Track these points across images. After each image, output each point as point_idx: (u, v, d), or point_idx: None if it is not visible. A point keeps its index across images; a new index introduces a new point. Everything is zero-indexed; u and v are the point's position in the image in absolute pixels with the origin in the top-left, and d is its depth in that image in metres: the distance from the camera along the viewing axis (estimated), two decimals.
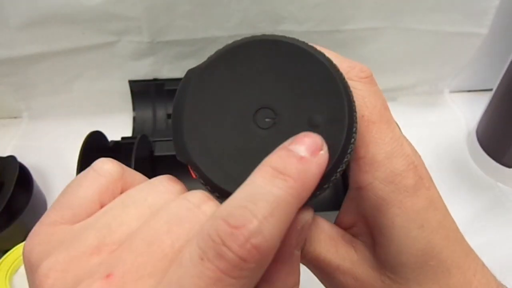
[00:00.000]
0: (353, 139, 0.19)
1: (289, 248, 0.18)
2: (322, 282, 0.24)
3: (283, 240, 0.17)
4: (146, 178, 0.21)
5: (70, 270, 0.16)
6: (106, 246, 0.17)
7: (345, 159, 0.19)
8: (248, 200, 0.15)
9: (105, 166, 0.19)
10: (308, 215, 0.19)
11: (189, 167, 0.19)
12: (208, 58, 0.20)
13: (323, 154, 0.17)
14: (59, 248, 0.17)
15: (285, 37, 0.20)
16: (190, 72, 0.20)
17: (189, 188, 0.20)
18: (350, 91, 0.19)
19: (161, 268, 0.16)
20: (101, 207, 0.19)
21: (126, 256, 0.16)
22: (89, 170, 0.19)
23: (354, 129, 0.19)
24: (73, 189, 0.19)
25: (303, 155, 0.17)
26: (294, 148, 0.17)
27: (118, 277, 0.15)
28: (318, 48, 0.20)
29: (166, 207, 0.17)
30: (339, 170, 0.18)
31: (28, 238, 0.18)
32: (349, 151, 0.19)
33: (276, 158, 0.17)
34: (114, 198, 0.19)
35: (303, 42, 0.20)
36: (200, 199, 0.18)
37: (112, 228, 0.17)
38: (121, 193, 0.19)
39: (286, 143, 0.17)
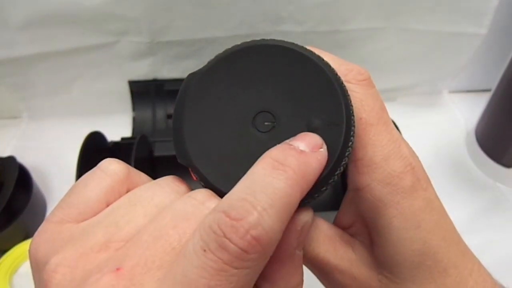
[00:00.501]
0: (351, 143, 0.19)
1: (290, 248, 0.18)
2: (321, 281, 0.24)
3: (283, 240, 0.17)
4: (151, 178, 0.21)
5: (78, 266, 0.16)
6: (114, 243, 0.17)
7: (343, 162, 0.19)
8: (248, 192, 0.16)
9: (111, 166, 0.20)
10: (307, 215, 0.19)
11: (189, 169, 0.20)
12: (208, 62, 0.20)
13: (323, 152, 0.18)
14: (67, 246, 0.17)
15: (283, 41, 0.20)
16: (190, 76, 0.20)
17: (190, 188, 0.20)
18: (348, 95, 0.19)
19: (169, 261, 0.16)
20: (107, 206, 0.19)
21: (134, 251, 0.16)
22: (96, 170, 0.20)
23: (352, 132, 0.19)
24: (79, 189, 0.19)
25: (303, 149, 0.17)
26: (295, 143, 0.17)
27: (127, 271, 0.16)
28: (316, 51, 0.20)
29: (172, 205, 0.18)
30: (337, 173, 0.19)
31: (34, 236, 0.18)
32: (347, 154, 0.19)
33: (277, 151, 0.17)
34: (120, 197, 0.19)
35: (302, 47, 0.20)
36: (204, 196, 0.18)
37: (119, 226, 0.17)
38: (126, 193, 0.20)
39: (286, 141, 0.18)
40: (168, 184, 0.19)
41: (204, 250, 0.15)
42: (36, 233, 0.18)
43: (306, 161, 0.17)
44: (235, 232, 0.15)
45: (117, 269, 0.16)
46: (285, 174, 0.16)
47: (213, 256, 0.15)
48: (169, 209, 0.18)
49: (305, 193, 0.17)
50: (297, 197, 0.17)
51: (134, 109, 0.60)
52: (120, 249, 0.17)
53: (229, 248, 0.15)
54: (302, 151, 0.17)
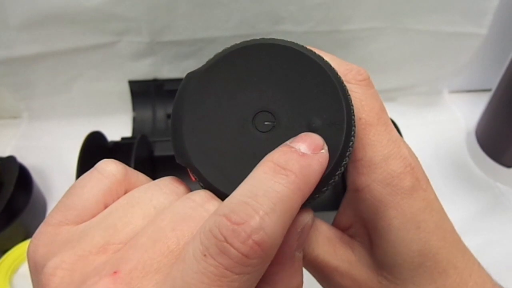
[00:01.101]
0: (351, 142, 0.19)
1: (290, 249, 0.18)
2: (320, 283, 0.24)
3: (283, 242, 0.17)
4: (149, 179, 0.21)
5: (76, 269, 0.16)
6: (112, 245, 0.17)
7: (344, 162, 0.19)
8: (250, 196, 0.15)
9: (108, 168, 0.19)
10: (308, 217, 0.19)
11: (188, 170, 0.19)
12: (207, 61, 0.20)
13: (324, 153, 0.18)
14: (65, 248, 0.17)
15: (284, 40, 0.20)
16: (190, 75, 0.20)
17: (189, 189, 0.20)
18: (349, 95, 0.19)
19: (167, 264, 0.16)
20: (105, 207, 0.19)
21: (132, 254, 0.16)
22: (93, 171, 0.19)
23: (352, 132, 0.19)
24: (77, 190, 0.19)
25: (304, 151, 0.17)
26: (296, 145, 0.17)
27: (124, 274, 0.16)
28: (316, 51, 0.20)
29: (170, 207, 0.18)
30: (337, 173, 0.19)
31: (32, 239, 0.18)
32: (347, 154, 0.19)
33: (278, 154, 0.17)
34: (118, 198, 0.19)
35: (302, 46, 0.20)
36: (203, 198, 0.18)
37: (118, 228, 0.17)
38: (124, 193, 0.19)
39: (287, 142, 0.18)
40: (167, 185, 0.19)
41: (204, 255, 0.15)
42: (34, 236, 0.18)
43: (308, 163, 0.17)
44: (237, 236, 0.15)
45: (115, 272, 0.16)
46: (287, 178, 0.16)
47: (214, 261, 0.15)
48: (167, 211, 0.17)
49: (307, 196, 0.17)
50: (298, 201, 0.16)
51: (134, 109, 0.60)
52: (119, 251, 0.17)
53: (230, 253, 0.15)
54: (303, 154, 0.17)
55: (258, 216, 0.15)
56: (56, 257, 0.17)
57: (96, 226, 0.18)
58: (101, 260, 0.16)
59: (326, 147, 0.18)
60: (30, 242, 0.18)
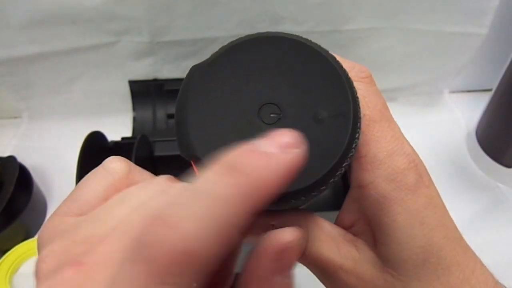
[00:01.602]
0: (357, 134, 0.19)
1: (264, 273, 0.16)
2: (323, 283, 0.24)
3: (253, 263, 0.16)
4: (154, 175, 0.21)
5: (59, 258, 0.17)
6: (95, 238, 0.17)
7: (350, 154, 0.19)
8: (183, 198, 0.14)
9: (112, 165, 0.20)
10: (290, 236, 0.16)
11: (192, 163, 0.19)
12: (213, 54, 0.20)
13: (297, 152, 0.15)
14: (58, 237, 0.18)
15: (289, 34, 0.20)
16: (194, 68, 0.20)
17: None
18: (354, 87, 0.19)
19: (123, 259, 0.16)
20: None
21: (103, 247, 0.16)
22: (99, 167, 0.20)
23: (358, 124, 0.19)
24: (83, 184, 0.20)
25: (267, 150, 0.15)
26: (260, 143, 0.15)
27: (88, 265, 0.16)
28: None
29: (147, 201, 0.18)
30: (344, 164, 0.18)
31: (41, 227, 0.19)
32: (353, 146, 0.19)
33: (234, 154, 0.15)
34: None
35: (307, 39, 0.20)
36: (164, 184, 0.18)
37: (103, 222, 0.18)
38: None
39: (254, 140, 0.15)
40: (160, 183, 0.19)
41: (129, 260, 0.14)
42: (43, 224, 0.19)
43: (266, 164, 0.14)
44: (163, 241, 0.13)
45: (80, 264, 0.16)
46: (234, 180, 0.14)
47: (137, 268, 0.13)
48: (142, 206, 0.18)
49: (262, 201, 0.14)
50: (244, 205, 0.14)
51: (134, 109, 0.60)
52: (95, 244, 0.17)
53: (153, 260, 0.13)
54: (264, 153, 0.15)
55: (188, 220, 0.13)
56: (50, 245, 0.17)
57: (88, 219, 0.18)
58: (80, 250, 0.17)
59: (303, 147, 0.15)
60: (40, 229, 0.19)
